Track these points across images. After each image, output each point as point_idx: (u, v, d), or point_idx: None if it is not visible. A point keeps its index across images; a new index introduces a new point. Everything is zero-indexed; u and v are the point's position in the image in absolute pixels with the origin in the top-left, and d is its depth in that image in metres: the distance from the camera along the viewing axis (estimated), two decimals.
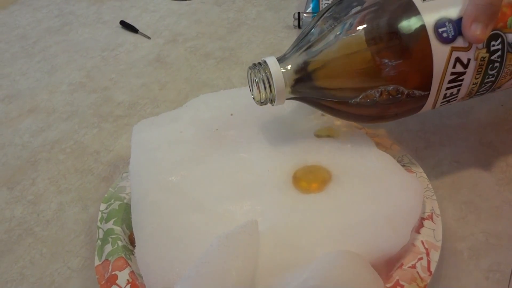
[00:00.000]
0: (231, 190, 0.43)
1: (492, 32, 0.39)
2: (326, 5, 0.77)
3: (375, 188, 0.42)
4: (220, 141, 0.48)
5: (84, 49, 0.80)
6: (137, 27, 0.83)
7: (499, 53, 0.40)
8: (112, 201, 0.46)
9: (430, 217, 0.41)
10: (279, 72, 0.42)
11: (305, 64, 0.42)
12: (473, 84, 0.41)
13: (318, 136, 0.48)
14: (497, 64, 0.40)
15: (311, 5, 0.78)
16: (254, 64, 0.43)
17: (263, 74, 0.42)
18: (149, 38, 0.81)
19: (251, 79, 0.44)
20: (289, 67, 0.42)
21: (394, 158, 0.45)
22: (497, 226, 0.44)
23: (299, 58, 0.42)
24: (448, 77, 0.40)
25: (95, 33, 0.85)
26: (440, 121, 0.56)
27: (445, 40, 0.38)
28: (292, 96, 0.43)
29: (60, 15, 0.92)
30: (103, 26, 0.87)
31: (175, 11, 0.88)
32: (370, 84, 0.40)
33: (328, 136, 0.48)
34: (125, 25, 0.85)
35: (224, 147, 0.47)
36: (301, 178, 0.43)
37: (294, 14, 0.77)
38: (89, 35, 0.85)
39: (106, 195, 0.47)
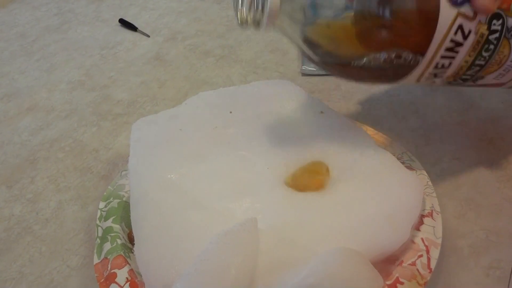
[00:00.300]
0: (230, 188, 0.43)
1: (496, 11, 0.39)
2: None
3: (375, 186, 0.42)
4: (219, 139, 0.48)
5: (83, 48, 0.80)
6: (136, 25, 0.83)
7: (497, 34, 0.39)
8: (111, 199, 0.46)
9: (430, 214, 0.41)
10: None
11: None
12: (465, 62, 0.40)
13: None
14: (492, 46, 0.40)
15: None
16: None
17: None
18: (148, 36, 0.81)
19: None
20: None
21: (394, 155, 0.45)
22: (497, 223, 0.44)
23: None
24: (447, 43, 0.39)
25: (94, 31, 0.85)
26: (440, 119, 0.56)
27: (454, 3, 0.38)
28: (282, 25, 0.40)
29: (59, 14, 0.92)
30: (102, 24, 0.87)
31: (174, 9, 0.88)
32: (371, 31, 0.39)
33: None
34: (124, 23, 0.85)
35: (224, 145, 0.47)
36: (301, 176, 0.43)
37: None
38: (88, 33, 0.84)
39: (105, 193, 0.47)
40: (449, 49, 0.39)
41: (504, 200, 0.46)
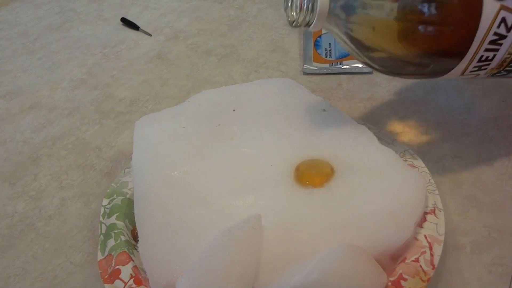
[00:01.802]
0: (234, 185, 0.43)
1: None
2: None
3: (377, 183, 0.42)
4: (222, 136, 0.48)
5: (85, 46, 0.80)
6: (138, 24, 0.83)
7: None
8: (115, 196, 0.47)
9: (433, 212, 0.41)
10: None
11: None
12: (508, 54, 0.40)
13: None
14: None
15: None
16: None
17: None
18: (150, 35, 0.81)
19: None
20: None
21: (396, 153, 0.45)
22: (499, 220, 0.45)
23: None
24: (490, 36, 0.39)
25: (96, 30, 0.85)
26: (442, 117, 0.56)
27: None
28: (330, 24, 0.41)
29: (61, 12, 0.92)
30: (104, 23, 0.87)
31: (176, 8, 0.88)
32: (415, 28, 0.39)
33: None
34: (126, 22, 0.85)
35: (227, 142, 0.47)
36: (304, 173, 0.43)
37: None
38: (90, 32, 0.84)
39: (108, 191, 0.47)
40: (492, 42, 0.39)
41: (506, 198, 0.46)
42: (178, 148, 0.47)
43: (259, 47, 0.74)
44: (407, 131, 0.55)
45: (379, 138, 0.47)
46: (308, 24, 0.41)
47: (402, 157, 0.46)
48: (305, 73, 0.66)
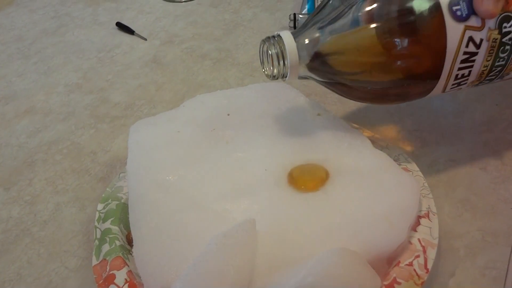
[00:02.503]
0: (228, 189, 0.43)
1: (504, 14, 0.39)
2: None
3: (372, 187, 0.42)
4: (217, 141, 0.48)
5: (80, 51, 0.80)
6: (133, 28, 0.84)
7: (510, 35, 0.40)
8: (110, 201, 0.46)
9: (427, 215, 0.41)
10: (293, 46, 0.41)
11: (319, 40, 0.42)
12: (484, 67, 0.41)
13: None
14: (508, 47, 0.41)
15: (306, 6, 0.79)
16: (268, 37, 0.43)
17: (277, 48, 0.42)
18: (145, 39, 0.81)
19: (263, 52, 0.44)
20: (303, 42, 0.42)
21: (390, 157, 0.45)
22: (493, 224, 0.45)
23: (312, 34, 0.42)
24: (461, 56, 0.40)
25: (91, 35, 0.85)
26: (436, 121, 0.56)
27: (459, 18, 0.39)
28: (304, 72, 0.43)
29: (56, 17, 0.92)
30: (99, 27, 0.87)
31: (171, 13, 0.88)
32: (384, 63, 0.41)
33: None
34: (121, 26, 0.85)
35: (221, 147, 0.47)
36: (298, 177, 0.44)
37: (290, 15, 0.77)
38: (85, 36, 0.85)
39: (103, 195, 0.47)
40: (464, 61, 0.40)
41: (500, 201, 0.47)
42: (173, 153, 0.47)
43: (254, 51, 0.74)
44: (401, 135, 0.55)
45: (373, 142, 0.47)
46: (283, 76, 0.43)
47: (396, 161, 0.46)
48: (300, 77, 0.66)
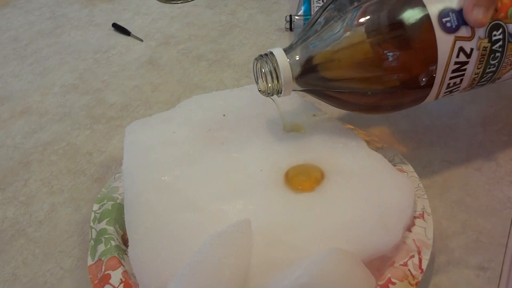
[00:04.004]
0: (224, 190, 0.44)
1: (494, 22, 0.40)
2: (317, 7, 0.78)
3: (367, 187, 0.42)
4: (212, 141, 0.48)
5: (76, 52, 0.80)
6: (129, 29, 0.83)
7: (500, 43, 0.41)
8: (105, 201, 0.47)
9: (421, 216, 0.42)
10: (286, 62, 0.42)
11: (311, 55, 0.42)
12: (475, 74, 0.42)
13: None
14: (498, 54, 0.41)
15: (302, 8, 0.79)
16: (261, 55, 0.44)
17: (270, 65, 0.42)
18: (141, 40, 0.81)
19: (257, 70, 0.45)
20: (295, 58, 0.42)
21: (385, 157, 0.45)
22: (487, 225, 0.45)
23: (304, 50, 0.42)
24: (452, 66, 0.40)
25: (88, 36, 0.85)
26: (431, 122, 0.57)
27: (449, 30, 0.39)
28: (299, 87, 0.44)
29: (52, 18, 0.92)
30: (96, 28, 0.87)
31: (167, 14, 0.88)
32: (376, 75, 0.41)
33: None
34: (118, 27, 0.85)
35: (217, 147, 0.48)
36: (293, 178, 0.44)
37: (286, 16, 0.77)
38: (82, 37, 0.84)
39: (99, 196, 0.47)
40: (456, 70, 0.41)
41: (494, 202, 0.47)
42: (169, 153, 0.47)
43: (250, 52, 0.74)
44: (396, 136, 0.55)
45: (369, 143, 0.48)
46: (278, 92, 0.44)
47: (391, 161, 0.46)
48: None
